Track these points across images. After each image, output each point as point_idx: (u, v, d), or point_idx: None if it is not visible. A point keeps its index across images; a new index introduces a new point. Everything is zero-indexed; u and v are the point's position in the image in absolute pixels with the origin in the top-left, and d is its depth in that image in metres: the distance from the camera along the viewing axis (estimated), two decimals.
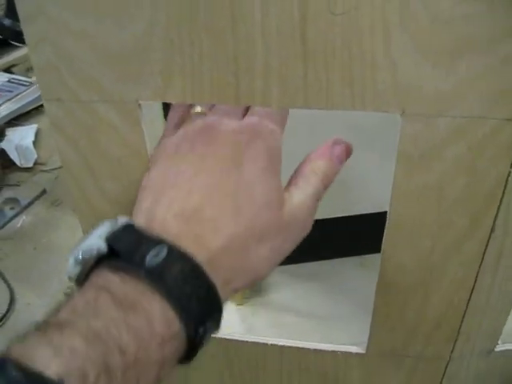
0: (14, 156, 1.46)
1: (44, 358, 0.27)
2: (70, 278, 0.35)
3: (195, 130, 0.40)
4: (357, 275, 0.98)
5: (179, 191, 0.37)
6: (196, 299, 0.32)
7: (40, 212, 1.66)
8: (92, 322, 0.29)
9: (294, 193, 0.40)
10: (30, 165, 1.58)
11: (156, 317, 0.31)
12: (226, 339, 0.55)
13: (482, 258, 0.44)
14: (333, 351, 0.54)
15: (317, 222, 0.91)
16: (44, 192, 1.62)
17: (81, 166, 0.44)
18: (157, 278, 0.32)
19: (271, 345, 0.55)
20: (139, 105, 0.40)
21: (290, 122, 0.78)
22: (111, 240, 0.34)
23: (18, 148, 1.51)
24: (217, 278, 0.34)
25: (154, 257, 0.32)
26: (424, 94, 0.36)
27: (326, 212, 0.90)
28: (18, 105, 1.58)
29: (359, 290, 0.95)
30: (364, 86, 0.36)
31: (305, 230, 0.41)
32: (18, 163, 1.51)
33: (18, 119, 1.67)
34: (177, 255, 0.33)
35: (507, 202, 0.41)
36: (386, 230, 0.43)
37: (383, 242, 0.44)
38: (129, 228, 0.35)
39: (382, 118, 0.77)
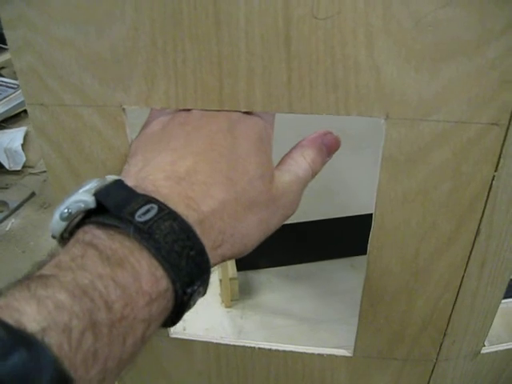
0: (2, 159, 1.46)
1: (27, 312, 0.26)
2: (52, 236, 0.33)
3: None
4: (347, 277, 0.98)
5: (172, 155, 0.37)
6: (185, 258, 0.32)
7: (29, 215, 1.66)
8: (78, 278, 0.28)
9: (285, 172, 0.41)
10: (19, 168, 1.58)
11: (144, 274, 0.30)
12: (214, 343, 0.55)
13: (467, 262, 0.44)
14: (319, 354, 0.54)
15: (307, 223, 0.92)
16: (33, 195, 1.61)
17: (65, 170, 0.43)
18: (146, 235, 0.31)
19: (259, 348, 0.55)
20: (123, 109, 0.39)
21: (276, 129, 0.79)
22: (99, 195, 0.32)
23: (6, 151, 1.51)
24: (206, 240, 0.33)
25: (143, 214, 0.31)
26: (407, 98, 0.36)
27: (316, 214, 0.91)
28: (6, 107, 1.57)
29: (350, 292, 0.96)
30: (347, 90, 0.36)
31: (291, 209, 0.42)
32: (6, 166, 1.50)
33: (6, 122, 1.66)
34: (167, 213, 0.32)
35: (492, 206, 0.41)
36: (371, 234, 0.43)
37: (369, 245, 0.44)
38: (119, 184, 0.34)
39: (369, 123, 0.77)
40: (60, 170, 0.44)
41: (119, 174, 0.42)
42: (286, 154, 0.43)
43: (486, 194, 0.40)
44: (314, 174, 0.43)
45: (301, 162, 0.42)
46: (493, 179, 0.39)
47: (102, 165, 0.42)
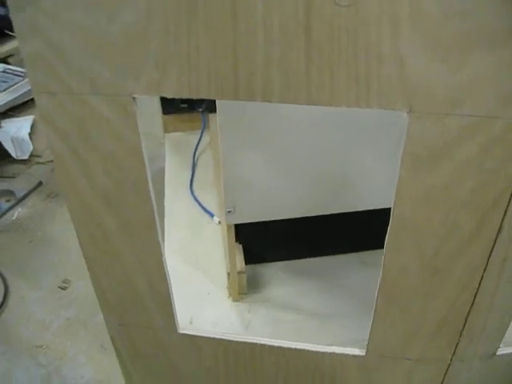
0: (9, 148, 1.45)
1: None
2: None
3: None
4: (357, 272, 0.96)
5: None
6: None
7: (36, 204, 1.65)
8: None
9: None
10: (26, 157, 1.57)
11: None
12: (222, 339, 0.54)
13: (488, 261, 0.43)
14: (331, 353, 0.53)
15: (317, 218, 0.90)
16: (40, 184, 1.60)
17: (72, 160, 0.42)
18: None
19: (268, 346, 0.53)
20: (134, 98, 0.38)
21: (290, 121, 0.78)
22: None
23: (13, 140, 1.50)
24: None
25: None
26: (432, 90, 0.34)
27: (326, 208, 0.89)
28: (14, 95, 1.56)
29: (359, 288, 0.94)
30: (370, 82, 0.34)
31: None
32: (13, 155, 1.49)
33: (13, 110, 1.65)
34: None
35: None
36: (388, 231, 0.42)
37: (386, 243, 0.43)
38: None
39: (383, 116, 0.76)
40: (66, 159, 0.42)
41: (128, 166, 0.41)
42: None
43: (510, 191, 0.38)
44: None
45: None
46: None
47: (110, 155, 0.41)
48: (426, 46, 0.33)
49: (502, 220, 0.40)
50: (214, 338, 0.54)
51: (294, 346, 0.53)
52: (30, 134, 1.54)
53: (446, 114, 0.35)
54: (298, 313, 0.92)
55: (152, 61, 0.36)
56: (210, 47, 0.35)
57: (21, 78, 1.55)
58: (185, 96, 0.37)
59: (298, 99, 0.36)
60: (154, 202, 0.44)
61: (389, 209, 0.41)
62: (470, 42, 0.32)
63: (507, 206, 0.39)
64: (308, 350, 0.53)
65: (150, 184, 0.43)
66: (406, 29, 0.32)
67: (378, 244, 0.44)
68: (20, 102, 1.63)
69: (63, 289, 1.35)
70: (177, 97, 0.38)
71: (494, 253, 0.42)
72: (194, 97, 0.37)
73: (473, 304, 0.46)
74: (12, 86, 1.55)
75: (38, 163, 1.64)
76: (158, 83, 0.37)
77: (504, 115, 0.35)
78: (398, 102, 0.35)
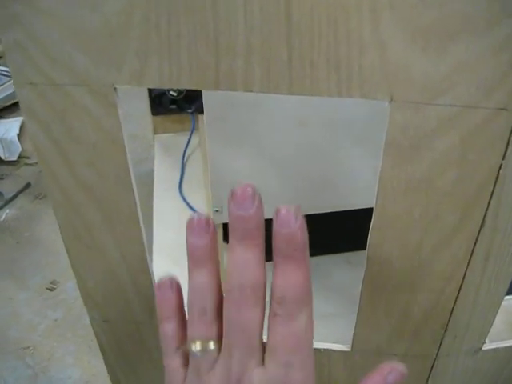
0: None
1: None
2: None
3: None
4: (343, 272, 0.97)
5: None
6: None
7: (24, 205, 1.64)
8: None
9: None
10: (15, 158, 1.56)
11: None
12: None
13: (471, 255, 0.43)
14: (316, 349, 0.53)
15: (304, 218, 0.90)
16: (28, 185, 1.60)
17: (54, 153, 0.42)
18: None
19: None
20: (115, 89, 0.38)
21: (277, 121, 0.78)
22: None
23: (2, 141, 1.50)
24: None
25: None
26: (413, 79, 0.34)
27: (313, 208, 0.89)
28: (1, 96, 1.56)
29: (346, 287, 0.94)
30: (350, 70, 0.34)
31: None
32: (1, 156, 1.49)
33: (2, 111, 1.64)
34: None
35: (498, 196, 0.39)
36: (371, 225, 0.42)
37: (369, 237, 0.43)
38: None
39: (370, 114, 0.76)
40: (49, 152, 0.42)
41: (110, 157, 0.40)
42: None
43: (493, 183, 0.38)
44: None
45: None
46: (500, 168, 0.38)
47: (92, 148, 0.41)
48: (405, 33, 0.32)
49: (485, 213, 0.40)
50: None
51: None
52: (18, 135, 1.53)
53: (426, 104, 0.35)
54: None
55: (133, 51, 0.36)
56: (190, 35, 0.35)
57: (9, 78, 1.54)
58: (166, 86, 0.37)
59: (280, 88, 0.36)
60: (136, 195, 0.44)
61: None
62: (450, 30, 0.32)
63: (490, 198, 0.39)
64: None
65: (132, 176, 0.43)
66: (386, 15, 0.32)
67: (363, 244, 0.43)
68: (9, 102, 1.62)
69: (51, 290, 1.34)
70: (158, 87, 0.37)
71: (477, 247, 0.42)
72: (175, 87, 0.37)
73: (457, 299, 0.46)
74: (0, 85, 1.54)
75: (27, 164, 1.63)
76: (139, 73, 0.37)
77: (486, 105, 0.35)
78: (379, 90, 0.35)
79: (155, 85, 0.37)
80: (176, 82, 0.37)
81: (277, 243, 0.33)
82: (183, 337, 0.37)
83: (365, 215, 0.42)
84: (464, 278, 0.45)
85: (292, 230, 0.32)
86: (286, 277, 0.33)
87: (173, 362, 0.37)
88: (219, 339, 0.35)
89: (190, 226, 0.35)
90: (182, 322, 0.38)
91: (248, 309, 0.33)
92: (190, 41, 0.35)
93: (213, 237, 0.35)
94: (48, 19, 0.36)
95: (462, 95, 0.35)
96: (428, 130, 0.36)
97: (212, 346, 0.35)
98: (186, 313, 0.37)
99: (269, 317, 0.34)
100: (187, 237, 0.36)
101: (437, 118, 0.35)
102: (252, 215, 0.33)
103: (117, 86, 0.38)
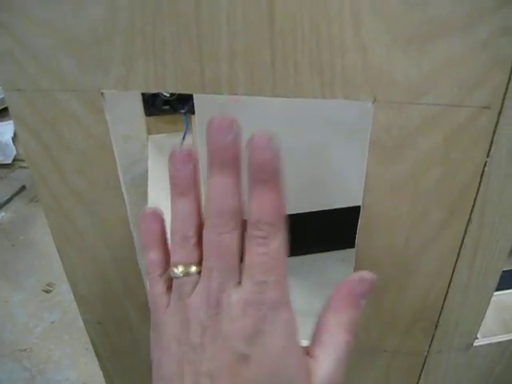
0: None
1: None
2: None
3: (197, 306, 0.36)
4: (337, 270, 0.97)
5: None
6: None
7: (19, 208, 1.65)
8: None
9: (321, 360, 0.37)
10: (9, 161, 1.56)
11: None
12: None
13: (459, 252, 0.43)
14: (308, 346, 0.53)
15: (298, 215, 0.90)
16: (23, 188, 1.60)
17: (45, 159, 0.42)
18: None
19: None
20: (102, 94, 0.38)
21: (267, 120, 0.78)
22: None
23: None
24: None
25: None
26: (395, 80, 0.34)
27: (307, 206, 0.90)
28: None
29: None
30: (333, 72, 0.35)
31: None
32: None
33: None
34: None
35: (483, 194, 0.40)
36: (359, 224, 0.42)
37: (357, 236, 0.43)
38: None
39: (360, 112, 0.76)
40: (40, 158, 0.42)
41: (99, 163, 0.41)
42: (320, 323, 0.39)
43: (478, 181, 0.39)
44: (354, 335, 0.39)
45: (339, 336, 0.38)
46: (484, 166, 0.38)
47: (81, 153, 0.41)
48: (387, 35, 0.33)
49: (471, 210, 0.41)
50: None
51: None
52: (13, 138, 1.53)
53: (409, 103, 0.35)
54: None
55: (119, 56, 0.36)
56: (174, 40, 0.35)
57: None
58: (152, 90, 0.37)
59: (264, 91, 0.36)
60: (126, 199, 0.44)
61: None
62: (431, 31, 0.33)
63: (475, 195, 0.40)
64: None
65: (122, 181, 0.43)
66: (367, 18, 0.32)
67: None
68: (3, 106, 1.62)
69: (47, 292, 1.34)
70: (145, 91, 0.38)
71: (464, 244, 0.43)
72: (161, 91, 0.37)
73: (446, 295, 0.47)
74: None
75: (21, 167, 1.63)
76: (125, 78, 0.37)
77: (468, 104, 0.35)
78: (361, 92, 0.35)
79: (141, 89, 0.37)
80: (162, 86, 0.37)
81: (252, 169, 0.34)
82: (166, 264, 0.39)
83: (359, 213, 0.42)
84: (452, 274, 0.45)
85: (266, 155, 0.34)
86: (262, 201, 0.35)
87: (157, 288, 0.38)
88: (200, 263, 0.36)
89: (173, 157, 0.37)
90: (165, 251, 0.39)
91: (226, 233, 0.35)
92: (175, 46, 0.35)
93: (194, 167, 0.37)
94: (34, 26, 0.36)
95: (445, 94, 0.35)
96: (411, 130, 0.36)
97: (193, 269, 0.36)
98: (169, 241, 0.39)
99: (245, 239, 0.36)
100: (169, 167, 0.37)
101: (420, 117, 0.36)
102: (230, 143, 0.34)
103: (104, 91, 0.38)
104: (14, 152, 1.52)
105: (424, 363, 0.54)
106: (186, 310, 0.36)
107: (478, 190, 0.39)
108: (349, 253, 0.99)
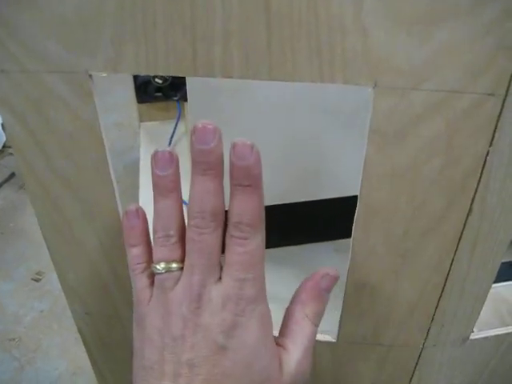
0: None
1: None
2: None
3: (179, 300, 0.38)
4: (331, 260, 0.96)
5: (182, 380, 0.37)
6: None
7: (8, 196, 1.63)
8: None
9: (291, 350, 0.41)
10: None
11: None
12: None
13: (458, 243, 0.42)
14: (278, 337, 0.52)
15: (290, 206, 0.90)
16: (12, 175, 1.58)
17: (30, 144, 0.40)
18: None
19: None
20: (90, 76, 0.36)
21: (262, 108, 0.76)
22: None
23: None
24: None
25: None
26: (397, 64, 0.33)
27: (299, 196, 0.89)
28: None
29: None
30: (333, 55, 0.33)
31: (305, 382, 0.42)
32: None
33: None
34: None
35: (485, 183, 0.38)
36: (356, 214, 0.41)
37: (353, 226, 0.42)
38: None
39: (358, 100, 0.75)
40: (24, 144, 0.41)
41: (87, 148, 0.40)
42: (288, 315, 0.42)
43: (480, 170, 0.38)
44: (318, 326, 0.43)
45: (305, 327, 0.42)
46: (487, 154, 0.37)
47: (68, 137, 0.40)
48: (389, 17, 0.31)
49: (472, 200, 0.40)
50: None
51: None
52: (2, 124, 1.51)
53: (411, 89, 0.34)
54: (273, 301, 0.91)
55: (107, 37, 0.35)
56: (166, 22, 0.33)
57: None
58: (143, 73, 0.36)
59: (260, 74, 0.35)
60: (115, 186, 0.43)
61: None
62: (435, 15, 0.31)
63: (477, 185, 0.38)
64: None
65: (111, 167, 0.41)
66: (368, 1, 0.31)
67: (351, 232, 0.43)
68: None
69: (36, 281, 1.33)
70: (135, 74, 0.36)
71: (464, 235, 0.42)
72: (153, 73, 0.36)
73: (444, 288, 0.46)
74: None
75: (11, 154, 1.61)
76: (114, 60, 0.36)
77: (473, 90, 0.34)
78: (362, 76, 0.34)
79: (132, 71, 0.36)
80: (153, 68, 0.36)
81: (234, 174, 0.36)
82: (149, 260, 0.41)
83: (353, 203, 0.41)
84: (451, 266, 0.44)
85: (248, 162, 0.36)
86: (242, 204, 0.37)
87: (140, 283, 0.40)
88: (182, 260, 0.39)
89: (155, 159, 0.38)
90: (148, 247, 0.41)
91: (208, 233, 0.37)
92: (167, 28, 0.34)
93: (176, 168, 0.39)
94: (18, 5, 0.34)
95: (448, 80, 0.34)
96: (413, 116, 0.35)
97: (174, 265, 0.38)
98: (152, 238, 0.40)
99: (226, 238, 0.38)
100: (152, 169, 0.39)
101: (422, 103, 0.35)
102: (213, 149, 0.36)
103: (92, 73, 0.36)
104: (4, 138, 1.50)
105: (419, 357, 0.53)
106: (168, 304, 0.38)
107: (480, 179, 0.38)
108: (341, 243, 0.99)
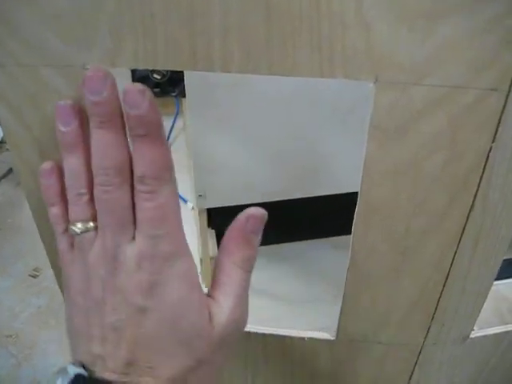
0: None
1: None
2: None
3: (97, 262, 0.37)
4: (329, 257, 0.96)
5: (109, 343, 0.36)
6: None
7: (6, 192, 1.62)
8: None
9: (222, 301, 0.39)
10: None
11: None
12: None
13: (460, 240, 0.42)
14: (300, 338, 0.51)
15: (289, 202, 0.89)
16: (10, 171, 1.57)
17: (26, 138, 0.40)
18: None
19: None
20: (87, 70, 0.36)
21: (261, 103, 0.76)
22: None
23: None
24: None
25: None
26: (399, 59, 0.33)
27: (297, 192, 0.88)
28: None
29: (332, 272, 0.93)
30: (333, 50, 0.33)
31: (241, 329, 0.41)
32: None
33: None
34: None
35: (487, 180, 0.38)
36: (356, 210, 0.40)
37: (354, 223, 0.41)
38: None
39: (356, 95, 0.74)
40: (21, 139, 0.40)
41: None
42: (216, 266, 0.40)
43: (482, 166, 0.37)
44: (251, 270, 0.41)
45: (235, 275, 0.39)
46: (490, 150, 0.36)
47: None
48: (391, 12, 0.31)
49: (475, 197, 0.39)
50: None
51: (262, 331, 0.52)
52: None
53: (413, 84, 0.33)
54: (271, 298, 0.91)
55: (105, 31, 0.34)
56: (165, 16, 0.33)
57: None
58: (141, 67, 0.35)
59: (259, 69, 0.34)
60: None
61: None
62: (438, 10, 0.31)
63: (479, 181, 0.38)
64: (277, 335, 0.52)
65: None
66: None
67: (350, 229, 0.42)
68: None
69: (34, 277, 1.33)
70: (133, 68, 0.36)
71: (466, 231, 0.41)
72: (151, 67, 0.35)
73: (445, 286, 0.45)
74: None
75: (9, 150, 1.60)
76: (112, 54, 0.35)
77: (475, 85, 0.33)
78: (363, 71, 0.33)
79: (130, 65, 0.35)
80: (152, 62, 0.35)
81: (129, 124, 0.34)
82: (68, 219, 0.39)
83: (351, 199, 0.40)
84: (452, 263, 0.43)
85: (141, 111, 0.33)
86: (144, 156, 0.34)
87: (62, 244, 0.39)
88: (96, 219, 0.37)
89: (57, 114, 0.36)
90: (66, 206, 0.39)
91: (114, 190, 0.35)
92: (165, 22, 0.33)
93: (80, 123, 0.36)
94: None
95: (451, 75, 0.33)
96: (415, 112, 0.35)
97: (91, 225, 0.37)
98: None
99: (134, 194, 0.36)
100: (56, 124, 0.37)
101: (424, 99, 0.34)
102: (106, 98, 0.34)
103: (89, 67, 0.36)
104: (1, 134, 1.48)
105: (418, 355, 0.52)
106: (87, 266, 0.37)
107: (483, 175, 0.38)
108: (339, 240, 0.99)
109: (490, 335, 0.54)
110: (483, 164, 0.37)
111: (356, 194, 0.40)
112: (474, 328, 0.51)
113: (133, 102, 0.33)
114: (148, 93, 0.33)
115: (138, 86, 0.33)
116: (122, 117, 0.35)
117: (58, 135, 0.37)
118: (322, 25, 0.32)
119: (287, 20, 0.32)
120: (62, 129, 0.36)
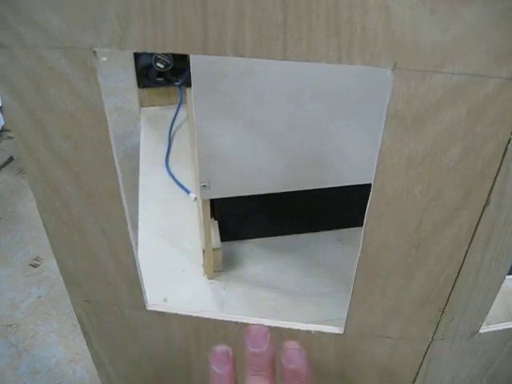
0: None
1: None
2: None
3: None
4: (334, 250, 0.95)
5: None
6: None
7: (6, 180, 1.61)
8: None
9: None
10: None
11: None
12: (193, 316, 0.52)
13: (473, 234, 0.41)
14: (307, 331, 0.50)
15: (294, 194, 0.88)
16: (11, 159, 1.57)
17: (29, 124, 0.39)
18: None
19: (242, 323, 0.51)
20: (94, 52, 0.35)
21: (267, 93, 0.75)
22: None
23: None
24: None
25: None
26: (420, 45, 0.31)
27: (303, 184, 0.87)
28: None
29: (336, 265, 0.93)
30: (352, 33, 0.31)
31: None
32: None
33: None
34: None
35: (505, 173, 0.37)
36: (369, 203, 0.39)
37: (366, 215, 0.40)
38: None
39: (364, 86, 0.73)
40: (23, 123, 0.39)
41: (89, 128, 0.38)
42: None
43: (500, 158, 0.36)
44: None
45: None
46: (508, 142, 0.35)
47: (69, 117, 0.38)
48: None
49: (490, 191, 0.38)
50: (184, 316, 0.52)
51: (267, 324, 0.51)
52: (1, 107, 1.49)
53: (433, 72, 0.32)
54: (274, 291, 0.90)
55: (113, 12, 0.33)
56: None
57: None
58: (150, 50, 0.34)
59: (273, 53, 0.33)
60: (118, 169, 0.41)
61: (367, 185, 0.39)
62: None
63: (496, 174, 0.37)
64: (283, 328, 0.51)
65: (114, 149, 0.40)
66: None
67: (355, 222, 0.41)
68: None
69: (34, 266, 1.32)
70: (142, 51, 0.35)
71: (480, 226, 0.40)
72: (160, 51, 0.34)
73: (456, 281, 0.44)
74: None
75: (10, 138, 1.59)
76: (120, 36, 0.34)
77: (497, 74, 0.32)
78: (381, 57, 0.32)
79: (138, 48, 0.34)
80: (161, 46, 0.34)
81: (284, 375, 0.39)
82: None
83: (357, 192, 0.39)
84: (464, 258, 0.42)
85: (297, 365, 0.38)
86: None
87: None
88: None
89: (213, 357, 0.40)
90: None
91: None
92: (176, 4, 0.32)
93: (233, 367, 0.40)
94: None
95: (472, 63, 0.32)
96: (433, 101, 0.33)
97: None
98: None
99: None
100: (211, 367, 0.40)
101: (444, 87, 0.33)
102: (265, 352, 0.39)
103: (96, 50, 0.35)
104: (2, 122, 1.48)
105: (427, 350, 0.51)
106: None
107: (500, 168, 0.36)
108: (345, 233, 0.98)
109: (499, 331, 0.53)
110: (501, 157, 0.36)
111: (362, 186, 0.39)
112: (483, 324, 0.51)
113: (291, 357, 0.39)
114: (304, 350, 0.39)
115: (296, 344, 0.39)
116: (274, 368, 0.40)
117: (211, 376, 0.40)
118: (339, 6, 0.31)
119: (303, 1, 0.31)
120: (217, 371, 0.40)
